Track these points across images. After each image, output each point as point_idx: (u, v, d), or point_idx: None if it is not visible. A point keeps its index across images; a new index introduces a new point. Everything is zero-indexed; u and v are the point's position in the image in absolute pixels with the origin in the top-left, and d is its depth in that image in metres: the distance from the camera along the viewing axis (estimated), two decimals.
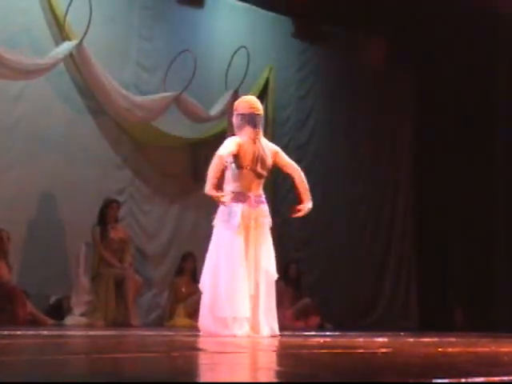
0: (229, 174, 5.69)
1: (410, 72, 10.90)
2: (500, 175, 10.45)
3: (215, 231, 5.67)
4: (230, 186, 5.66)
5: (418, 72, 10.88)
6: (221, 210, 5.65)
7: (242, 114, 5.69)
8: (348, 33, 10.30)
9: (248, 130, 5.66)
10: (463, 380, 2.43)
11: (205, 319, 5.60)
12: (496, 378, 2.53)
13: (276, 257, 5.80)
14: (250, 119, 5.67)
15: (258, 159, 5.65)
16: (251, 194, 5.65)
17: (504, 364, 3.39)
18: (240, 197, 5.61)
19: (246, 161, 5.63)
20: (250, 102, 5.82)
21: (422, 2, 10.04)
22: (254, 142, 5.67)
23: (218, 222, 5.65)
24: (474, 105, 10.50)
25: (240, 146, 5.62)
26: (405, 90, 10.93)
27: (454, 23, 10.06)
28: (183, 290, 8.47)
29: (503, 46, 10.42)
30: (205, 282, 5.64)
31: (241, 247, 5.52)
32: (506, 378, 2.54)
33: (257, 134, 5.69)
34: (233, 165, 5.66)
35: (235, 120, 5.75)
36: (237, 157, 5.64)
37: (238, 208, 5.57)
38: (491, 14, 9.88)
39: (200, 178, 9.33)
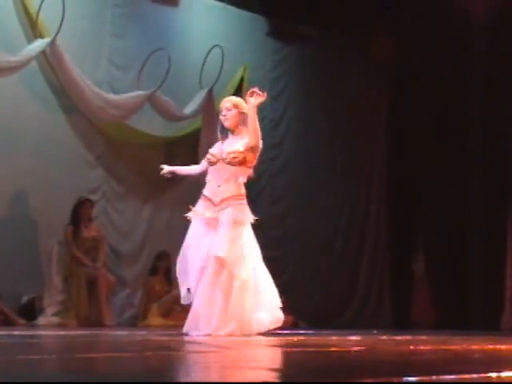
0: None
1: (383, 71, 10.93)
2: (474, 173, 10.50)
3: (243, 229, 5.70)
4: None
5: (391, 71, 10.91)
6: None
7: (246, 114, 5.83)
8: (322, 32, 10.31)
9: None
10: (434, 378, 2.45)
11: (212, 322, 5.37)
12: (466, 376, 2.56)
13: None
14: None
15: None
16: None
17: (475, 362, 3.42)
18: None
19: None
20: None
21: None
22: None
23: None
24: (450, 100, 10.53)
25: None
26: (379, 89, 10.96)
27: (435, 22, 10.14)
28: (157, 289, 8.44)
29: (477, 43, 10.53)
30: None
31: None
32: (476, 376, 2.57)
33: None
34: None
35: (242, 117, 5.83)
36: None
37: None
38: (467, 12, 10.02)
39: (174, 176, 9.35)
